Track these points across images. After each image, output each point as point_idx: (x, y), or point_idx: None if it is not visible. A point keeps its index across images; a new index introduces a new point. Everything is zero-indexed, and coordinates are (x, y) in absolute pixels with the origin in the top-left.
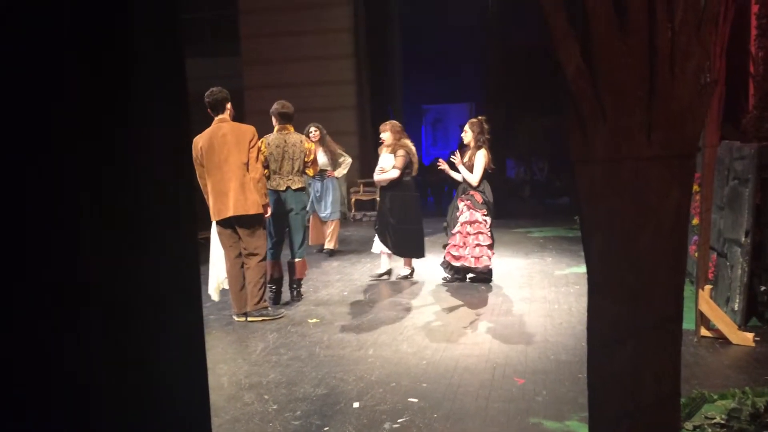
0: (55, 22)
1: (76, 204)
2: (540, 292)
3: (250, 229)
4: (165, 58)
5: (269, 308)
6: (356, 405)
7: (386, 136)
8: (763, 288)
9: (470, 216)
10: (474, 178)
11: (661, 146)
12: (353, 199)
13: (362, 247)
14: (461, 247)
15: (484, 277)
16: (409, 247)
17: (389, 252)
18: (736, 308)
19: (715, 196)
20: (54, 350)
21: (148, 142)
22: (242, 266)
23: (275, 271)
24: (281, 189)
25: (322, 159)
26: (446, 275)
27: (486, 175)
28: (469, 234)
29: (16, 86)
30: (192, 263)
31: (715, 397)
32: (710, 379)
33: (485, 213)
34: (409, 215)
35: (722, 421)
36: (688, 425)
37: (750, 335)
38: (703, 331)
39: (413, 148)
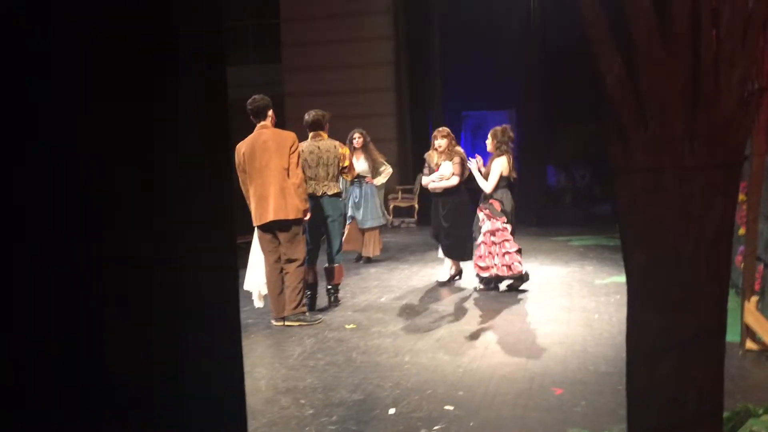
0: (102, 34)
1: (122, 211)
2: (580, 302)
3: (289, 233)
4: (208, 68)
5: (307, 313)
6: (392, 411)
7: (442, 142)
8: None
9: (492, 225)
10: (488, 186)
11: (705, 156)
12: (392, 206)
13: (400, 254)
14: (487, 257)
15: (521, 282)
16: (458, 250)
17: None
18: None
19: (763, 206)
20: (95, 353)
21: (188, 147)
22: (281, 271)
23: (310, 276)
24: (317, 194)
25: (363, 165)
26: (479, 285)
27: (507, 184)
28: (494, 243)
29: (65, 92)
30: (231, 268)
31: (761, 411)
32: (755, 393)
33: (505, 221)
34: (460, 220)
35: None
36: None
37: None
38: (749, 344)
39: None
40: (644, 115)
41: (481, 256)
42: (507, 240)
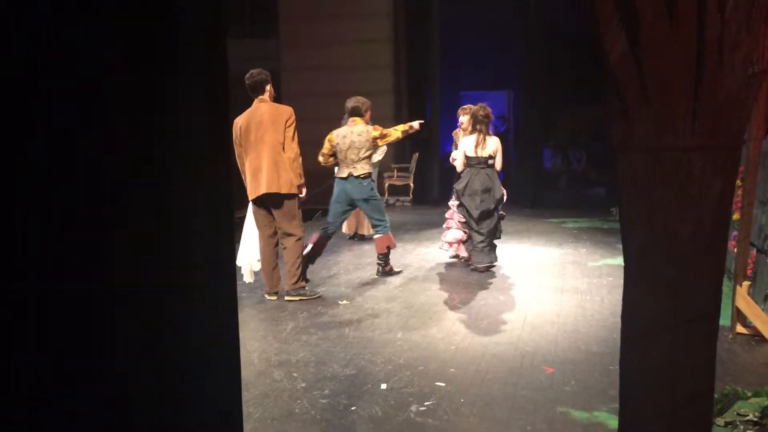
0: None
1: (114, 182)
2: (572, 283)
3: (284, 209)
4: (207, 43)
5: (306, 288)
6: (384, 386)
7: (465, 119)
8: None
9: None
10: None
11: (706, 136)
12: (387, 184)
13: (394, 232)
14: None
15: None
16: None
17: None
18: None
19: (759, 191)
20: (88, 328)
21: (184, 122)
22: (275, 246)
23: (318, 244)
24: (343, 176)
25: None
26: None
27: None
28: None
29: (51, 69)
30: (227, 242)
31: (749, 394)
32: (744, 376)
33: (454, 199)
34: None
35: (755, 419)
36: (720, 421)
37: None
38: (739, 328)
39: None
40: (647, 94)
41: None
42: (451, 219)
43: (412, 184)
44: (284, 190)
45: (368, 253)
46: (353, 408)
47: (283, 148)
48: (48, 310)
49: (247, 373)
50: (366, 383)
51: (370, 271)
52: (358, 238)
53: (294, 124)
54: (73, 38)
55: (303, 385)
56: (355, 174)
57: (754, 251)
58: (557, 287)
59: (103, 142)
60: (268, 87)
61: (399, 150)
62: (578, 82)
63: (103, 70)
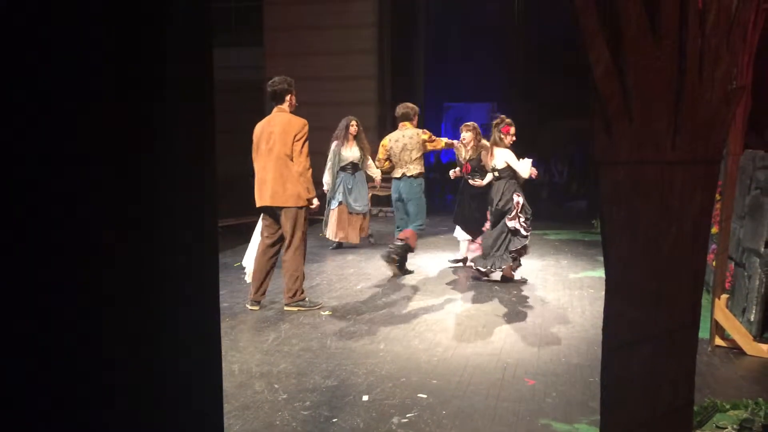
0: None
1: (99, 196)
2: (554, 295)
3: (289, 221)
4: (191, 58)
5: (307, 299)
6: (365, 398)
7: (467, 136)
8: None
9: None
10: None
11: (686, 151)
12: (370, 195)
13: (378, 242)
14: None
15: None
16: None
17: (469, 239)
18: (752, 319)
19: (736, 205)
20: (70, 335)
21: (169, 131)
22: (272, 257)
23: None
24: (397, 176)
25: (356, 153)
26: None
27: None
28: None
29: (40, 73)
30: (211, 251)
31: (728, 406)
32: (723, 388)
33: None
34: (481, 205)
35: (734, 431)
36: None
37: (765, 346)
38: (718, 341)
39: None
40: (629, 109)
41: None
42: None
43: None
44: (290, 204)
45: (351, 263)
46: (334, 420)
47: (292, 160)
48: (26, 311)
49: (227, 384)
50: (348, 395)
51: (353, 281)
52: (336, 245)
53: (304, 138)
54: (52, 37)
55: (284, 396)
56: (408, 174)
57: (732, 264)
58: (539, 299)
59: (85, 144)
60: (288, 97)
61: None
62: (561, 94)
63: (86, 73)
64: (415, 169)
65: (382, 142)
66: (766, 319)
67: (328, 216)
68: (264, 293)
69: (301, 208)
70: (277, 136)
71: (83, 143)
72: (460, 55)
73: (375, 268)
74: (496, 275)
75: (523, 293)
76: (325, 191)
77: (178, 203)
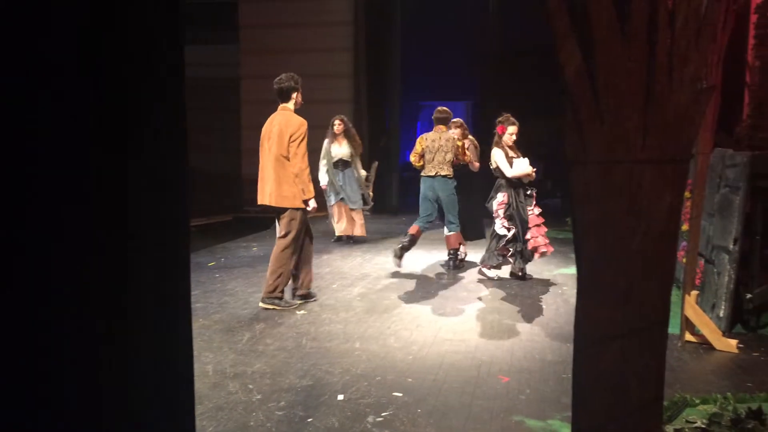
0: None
1: (67, 188)
2: (528, 292)
3: (284, 220)
4: (162, 55)
5: (282, 299)
6: (341, 397)
7: (457, 132)
8: (748, 296)
9: (538, 209)
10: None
11: (656, 150)
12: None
13: (353, 241)
14: (537, 239)
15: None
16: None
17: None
18: (721, 315)
19: (706, 203)
20: (39, 337)
21: (141, 130)
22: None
23: (458, 241)
24: (431, 175)
25: (345, 150)
26: (523, 273)
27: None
28: (536, 226)
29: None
30: (181, 251)
31: (697, 401)
32: (693, 383)
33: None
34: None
35: (703, 426)
36: (669, 428)
37: (734, 342)
38: (688, 336)
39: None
40: (600, 109)
41: (535, 238)
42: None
43: (371, 193)
44: (285, 204)
45: (326, 262)
46: (309, 420)
47: (288, 161)
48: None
49: (201, 385)
50: (323, 394)
51: (329, 280)
52: (345, 239)
53: (300, 138)
54: (19, 33)
55: (259, 397)
56: (442, 174)
57: (702, 261)
58: (514, 296)
59: (54, 143)
60: (294, 95)
61: (360, 160)
62: (537, 95)
63: (52, 71)
64: (449, 170)
65: (419, 139)
66: (735, 315)
67: (330, 211)
68: (307, 286)
69: (297, 209)
70: (275, 136)
71: (53, 142)
72: (436, 54)
73: (350, 267)
74: (491, 273)
75: (498, 291)
76: (323, 188)
77: (149, 201)
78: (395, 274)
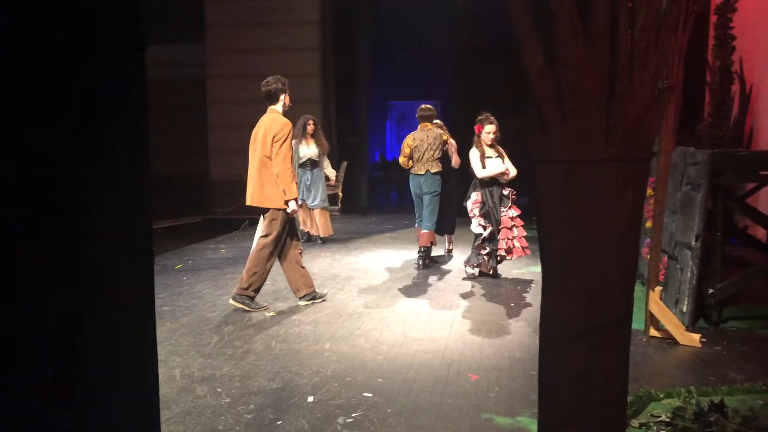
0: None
1: (26, 188)
2: (497, 290)
3: (266, 220)
4: (122, 56)
5: (253, 300)
6: (311, 399)
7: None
8: (711, 291)
9: (516, 211)
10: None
11: (618, 149)
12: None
13: (321, 242)
14: (516, 239)
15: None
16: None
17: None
18: (684, 310)
19: (669, 200)
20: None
21: (102, 131)
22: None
23: (429, 239)
24: (421, 173)
25: (314, 150)
26: (474, 273)
27: None
28: (515, 227)
29: None
30: (144, 254)
31: (662, 395)
32: (657, 378)
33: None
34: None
35: (667, 419)
36: (635, 423)
37: (697, 336)
38: (653, 332)
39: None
40: (564, 109)
41: (509, 240)
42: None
43: (340, 194)
44: (265, 205)
45: None
46: (279, 422)
47: (270, 162)
48: None
49: (168, 389)
50: (292, 396)
51: None
52: (321, 241)
53: (282, 140)
54: None
55: (227, 400)
56: (432, 171)
57: (665, 258)
58: (483, 294)
59: (13, 144)
60: (282, 97)
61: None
62: (504, 93)
63: (11, 70)
64: (437, 167)
65: (406, 141)
66: (697, 310)
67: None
68: (308, 287)
69: (278, 210)
70: (260, 138)
71: (9, 143)
72: (404, 53)
73: (320, 267)
74: (474, 271)
75: (467, 289)
76: None
77: (109, 203)
78: (364, 275)
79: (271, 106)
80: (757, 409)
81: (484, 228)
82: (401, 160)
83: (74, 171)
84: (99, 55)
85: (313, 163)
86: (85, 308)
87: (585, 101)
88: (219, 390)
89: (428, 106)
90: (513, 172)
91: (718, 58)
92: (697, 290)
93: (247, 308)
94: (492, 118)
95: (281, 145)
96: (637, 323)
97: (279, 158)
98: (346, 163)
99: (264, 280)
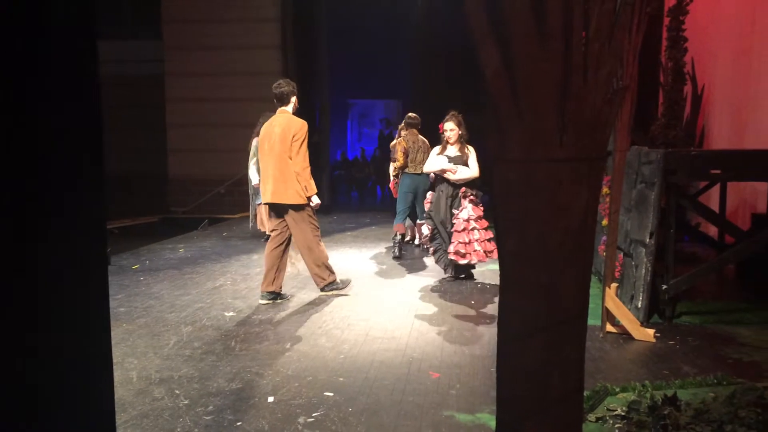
0: None
1: None
2: (458, 287)
3: (293, 218)
4: (76, 49)
5: (337, 281)
6: (271, 399)
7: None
8: (664, 287)
9: (475, 212)
10: (476, 171)
11: (573, 149)
12: None
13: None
14: (467, 244)
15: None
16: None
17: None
18: (639, 306)
19: (624, 199)
20: None
21: (53, 131)
22: (277, 247)
23: (407, 232)
24: (417, 173)
25: None
26: (448, 275)
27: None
28: (475, 229)
29: None
30: (98, 255)
31: (617, 390)
32: (613, 372)
33: (482, 208)
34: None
35: (623, 413)
36: (591, 417)
37: (651, 331)
38: (609, 327)
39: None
40: (519, 109)
41: (462, 243)
42: (491, 227)
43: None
44: (291, 201)
45: (257, 263)
46: (239, 423)
47: (291, 160)
48: None
49: (124, 392)
50: (253, 397)
51: (258, 280)
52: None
53: (302, 139)
54: None
55: (186, 402)
56: (425, 171)
57: (621, 255)
58: (444, 292)
59: None
60: (293, 99)
61: None
62: (466, 93)
63: None
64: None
65: (399, 143)
66: (652, 306)
67: (254, 210)
68: (277, 286)
69: (302, 205)
70: (277, 137)
71: None
72: (364, 52)
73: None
74: (449, 272)
75: (427, 287)
76: (255, 186)
77: (60, 202)
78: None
79: (283, 107)
80: (708, 401)
81: (429, 228)
82: (401, 159)
83: (18, 170)
84: (47, 48)
85: None
86: (32, 311)
87: (540, 101)
88: (177, 392)
89: (415, 114)
90: (466, 174)
91: (670, 59)
92: (651, 286)
93: (340, 292)
94: (453, 115)
95: (301, 144)
96: (594, 319)
97: (300, 157)
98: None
99: (327, 259)
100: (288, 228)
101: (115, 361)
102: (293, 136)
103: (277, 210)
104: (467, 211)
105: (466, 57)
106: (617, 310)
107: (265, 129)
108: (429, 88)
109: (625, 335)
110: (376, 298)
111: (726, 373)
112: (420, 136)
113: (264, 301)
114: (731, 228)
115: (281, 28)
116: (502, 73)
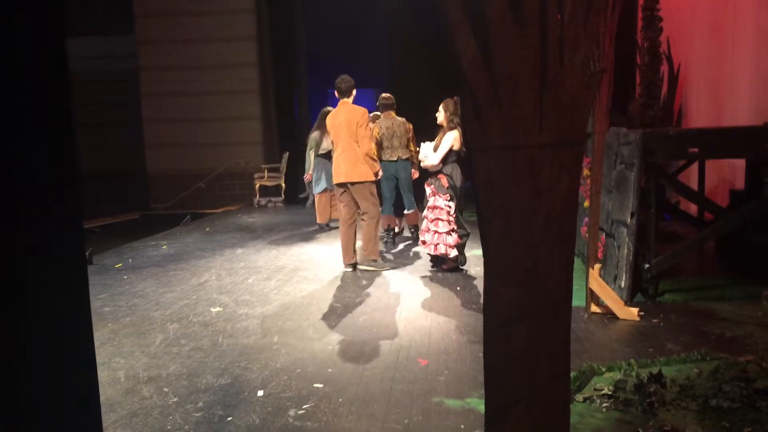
0: None
1: None
2: (443, 274)
3: (361, 193)
4: (41, 51)
5: (379, 260)
6: (260, 393)
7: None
8: (647, 266)
9: (433, 201)
10: (433, 160)
11: (552, 134)
12: (257, 185)
13: (266, 234)
14: (427, 233)
15: (452, 265)
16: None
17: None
18: (622, 285)
19: (604, 180)
20: None
21: (22, 127)
22: (352, 224)
23: (391, 222)
24: (393, 159)
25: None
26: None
27: (457, 159)
28: (431, 220)
29: None
30: (77, 253)
31: (604, 369)
32: (599, 352)
33: (448, 198)
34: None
35: (609, 392)
36: (579, 397)
37: (635, 310)
38: (593, 308)
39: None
40: (498, 96)
41: (423, 231)
42: (440, 219)
43: (283, 184)
44: (361, 179)
45: (240, 257)
46: (229, 418)
47: (358, 144)
48: None
49: (112, 392)
50: (242, 392)
51: (243, 275)
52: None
53: (366, 124)
54: None
55: (175, 399)
56: (404, 157)
57: (603, 236)
58: (429, 279)
59: None
60: (353, 91)
61: (269, 150)
62: (447, 82)
63: None
64: (406, 153)
65: (374, 131)
66: (635, 285)
67: (314, 201)
68: (353, 256)
69: (370, 182)
70: (343, 125)
71: None
72: (341, 41)
73: (265, 260)
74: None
75: (414, 275)
76: (307, 179)
77: (35, 202)
78: (311, 265)
79: (344, 99)
80: (693, 377)
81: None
82: (373, 149)
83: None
84: (16, 46)
85: (328, 156)
86: (12, 315)
87: (518, 88)
88: (166, 389)
89: (389, 95)
90: (428, 162)
91: (646, 39)
92: (634, 266)
93: (377, 269)
94: (446, 101)
95: (365, 129)
96: (579, 300)
97: (366, 140)
98: (288, 153)
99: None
100: (354, 204)
101: (101, 361)
102: (357, 123)
103: (346, 187)
104: (438, 199)
105: (444, 46)
106: (601, 291)
107: (330, 120)
108: (410, 75)
109: (609, 315)
110: (360, 288)
111: (709, 349)
112: (399, 118)
113: (349, 270)
114: (711, 205)
115: (256, 19)
116: (479, 61)
